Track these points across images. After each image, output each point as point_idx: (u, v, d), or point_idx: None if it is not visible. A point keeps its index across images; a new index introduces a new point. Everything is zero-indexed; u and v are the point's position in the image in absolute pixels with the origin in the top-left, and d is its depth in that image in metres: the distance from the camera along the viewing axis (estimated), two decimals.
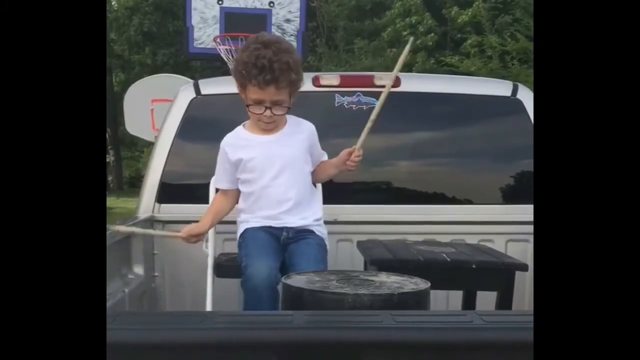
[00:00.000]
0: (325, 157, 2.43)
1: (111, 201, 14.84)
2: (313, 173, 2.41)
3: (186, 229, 2.37)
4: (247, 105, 2.27)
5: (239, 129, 2.38)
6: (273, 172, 2.28)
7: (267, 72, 2.17)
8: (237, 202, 2.41)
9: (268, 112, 2.25)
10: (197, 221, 2.42)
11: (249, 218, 2.33)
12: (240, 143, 2.34)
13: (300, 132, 2.35)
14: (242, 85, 2.26)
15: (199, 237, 2.38)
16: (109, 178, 22.66)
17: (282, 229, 2.29)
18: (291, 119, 2.35)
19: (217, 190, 2.48)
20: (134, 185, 21.72)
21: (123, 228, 2.45)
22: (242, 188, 2.36)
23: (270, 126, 2.30)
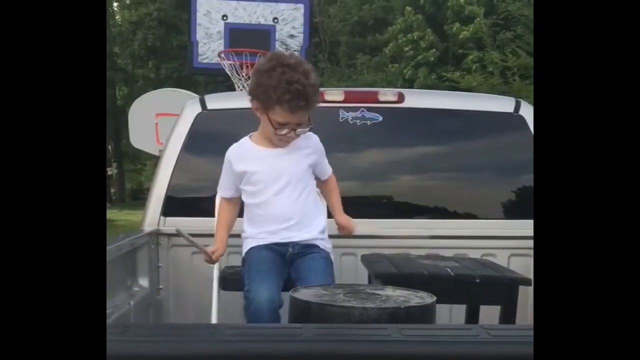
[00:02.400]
0: (330, 171, 2.45)
1: (113, 214, 14.86)
2: (321, 189, 2.44)
3: (216, 255, 2.34)
4: (275, 128, 2.22)
5: (245, 140, 2.39)
6: (278, 186, 2.28)
7: (301, 97, 2.14)
8: (239, 207, 2.42)
9: (293, 134, 2.25)
10: (206, 235, 2.44)
11: (255, 234, 2.34)
12: (245, 154, 2.34)
13: (307, 147, 2.34)
14: (266, 107, 2.21)
15: (221, 256, 2.38)
16: (112, 190, 22.69)
17: (287, 244, 2.29)
18: None
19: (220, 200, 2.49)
20: (137, 197, 21.75)
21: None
22: (245, 199, 2.37)
23: (285, 143, 2.30)
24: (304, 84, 2.14)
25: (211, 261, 2.35)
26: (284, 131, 2.24)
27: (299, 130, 2.25)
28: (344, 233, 2.44)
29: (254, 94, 2.25)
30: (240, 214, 2.44)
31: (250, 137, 2.39)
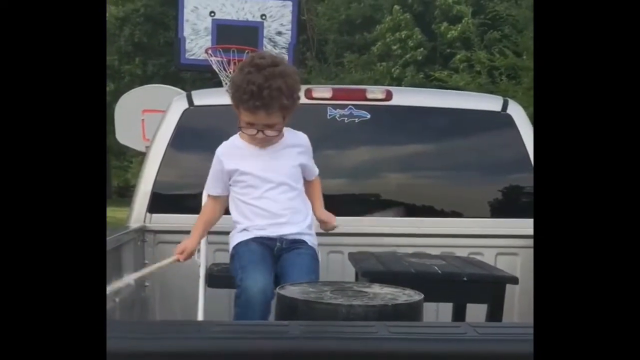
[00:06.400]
0: (316, 172, 2.44)
1: None
2: (305, 189, 2.42)
3: (178, 248, 2.32)
4: (240, 127, 2.26)
5: (235, 138, 2.36)
6: (268, 185, 2.27)
7: (255, 98, 2.14)
8: (225, 207, 2.40)
9: (260, 135, 2.24)
10: (188, 232, 2.41)
11: (246, 226, 2.31)
12: (236, 152, 2.32)
13: (297, 146, 2.34)
14: (236, 106, 2.26)
15: (192, 252, 2.35)
16: None
17: (275, 239, 2.28)
18: (288, 131, 2.34)
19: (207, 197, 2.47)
20: (123, 195, 21.61)
21: (119, 284, 2.22)
22: (235, 195, 2.34)
23: (263, 144, 2.29)
24: (260, 85, 2.13)
25: (184, 255, 2.32)
26: (252, 131, 2.24)
27: (267, 132, 2.24)
28: (325, 227, 2.44)
29: (229, 92, 2.28)
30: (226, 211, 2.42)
31: (240, 135, 2.37)
